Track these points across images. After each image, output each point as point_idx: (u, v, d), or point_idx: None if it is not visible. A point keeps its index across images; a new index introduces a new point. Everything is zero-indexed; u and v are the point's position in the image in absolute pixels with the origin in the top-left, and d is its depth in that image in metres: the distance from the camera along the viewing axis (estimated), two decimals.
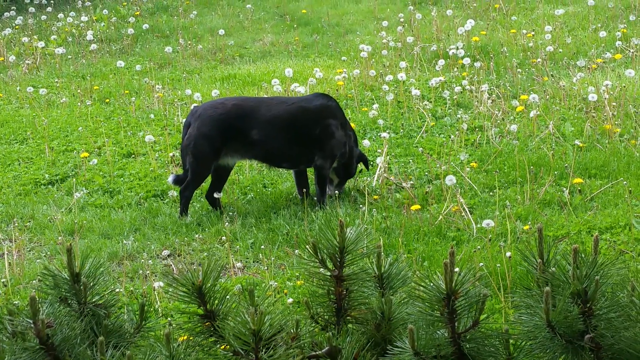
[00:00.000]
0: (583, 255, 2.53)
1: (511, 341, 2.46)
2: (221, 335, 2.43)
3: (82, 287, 2.52)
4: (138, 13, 16.76)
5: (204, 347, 2.44)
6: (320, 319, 2.65)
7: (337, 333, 2.60)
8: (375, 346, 2.53)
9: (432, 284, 2.40)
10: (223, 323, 2.38)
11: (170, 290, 2.53)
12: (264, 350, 2.28)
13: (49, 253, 6.79)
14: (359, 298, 2.66)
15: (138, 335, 2.61)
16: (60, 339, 2.40)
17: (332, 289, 2.64)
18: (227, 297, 2.54)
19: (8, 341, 2.37)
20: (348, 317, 2.64)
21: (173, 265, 6.48)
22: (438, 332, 2.39)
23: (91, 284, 2.57)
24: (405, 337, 2.34)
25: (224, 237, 6.62)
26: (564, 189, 7.09)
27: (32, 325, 2.34)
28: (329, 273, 2.64)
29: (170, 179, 7.51)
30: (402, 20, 14.29)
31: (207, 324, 2.54)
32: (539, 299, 2.38)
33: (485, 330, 2.42)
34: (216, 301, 2.54)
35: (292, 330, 2.47)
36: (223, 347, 2.39)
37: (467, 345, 2.39)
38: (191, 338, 2.48)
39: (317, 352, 2.42)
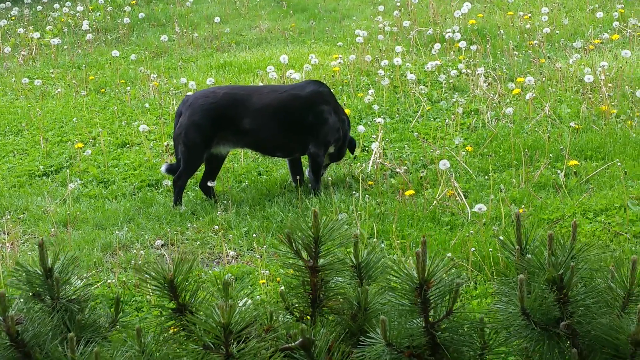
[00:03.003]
0: (562, 241, 2.49)
1: (487, 330, 2.42)
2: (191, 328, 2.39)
3: (54, 282, 2.49)
4: (134, 2, 16.70)
5: (177, 341, 2.41)
6: (295, 310, 2.62)
7: (312, 324, 2.56)
8: (352, 337, 2.50)
9: (404, 273, 2.36)
10: (193, 317, 2.35)
11: (143, 284, 2.50)
12: (235, 343, 2.25)
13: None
14: (335, 288, 2.62)
15: (113, 329, 2.59)
16: (31, 335, 2.37)
17: (308, 279, 2.61)
18: (199, 290, 2.50)
19: None
20: (324, 308, 2.61)
21: (166, 255, 6.45)
22: (412, 322, 2.36)
23: (64, 279, 2.54)
24: (379, 328, 2.31)
25: (217, 226, 6.59)
26: (559, 171, 7.05)
27: (2, 322, 2.31)
28: (303, 264, 2.60)
29: (163, 168, 7.48)
30: (398, 4, 14.22)
31: (179, 317, 2.50)
32: (515, 286, 2.34)
33: (460, 319, 2.39)
34: (188, 294, 2.50)
35: (265, 322, 2.45)
36: (192, 341, 2.36)
37: (442, 335, 2.35)
38: (163, 333, 2.45)
39: (290, 344, 2.39)
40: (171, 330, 2.49)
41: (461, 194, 6.75)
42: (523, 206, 6.47)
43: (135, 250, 6.40)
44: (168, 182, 7.68)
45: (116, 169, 8.33)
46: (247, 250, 6.46)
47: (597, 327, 2.35)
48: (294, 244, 2.61)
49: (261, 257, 6.05)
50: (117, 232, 6.74)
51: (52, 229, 6.90)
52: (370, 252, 2.65)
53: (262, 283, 5.60)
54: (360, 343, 2.39)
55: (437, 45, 10.92)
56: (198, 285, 2.53)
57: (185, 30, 13.99)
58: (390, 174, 7.54)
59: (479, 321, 2.40)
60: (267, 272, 5.65)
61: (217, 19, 14.24)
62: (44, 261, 2.51)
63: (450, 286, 2.35)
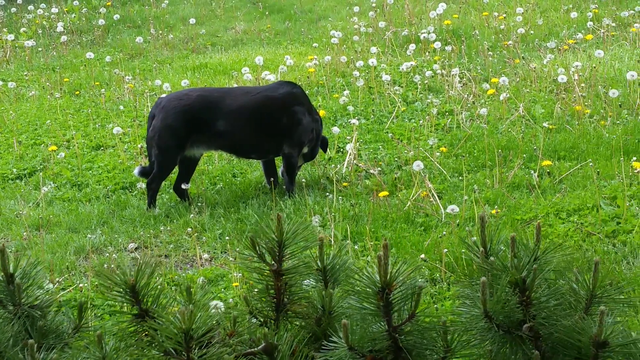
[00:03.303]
0: (526, 242, 2.49)
1: (451, 333, 2.42)
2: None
3: (15, 288, 2.47)
4: (109, 3, 16.63)
5: (138, 347, 2.39)
6: (259, 314, 2.61)
7: (276, 328, 2.55)
8: (316, 341, 2.49)
9: (366, 277, 2.35)
10: (153, 323, 2.33)
11: (104, 289, 2.48)
12: (197, 349, 2.24)
13: (14, 249, 6.72)
14: (300, 292, 2.61)
15: (76, 335, 2.56)
16: None
17: (272, 283, 2.60)
18: (161, 296, 2.48)
19: None
20: (289, 312, 2.60)
21: (140, 258, 6.42)
22: (375, 325, 2.35)
23: (25, 285, 2.52)
24: (342, 332, 2.30)
25: (190, 229, 6.57)
26: (533, 171, 7.07)
27: None
28: (267, 268, 2.59)
29: (136, 170, 7.45)
30: (374, 5, 14.23)
31: (141, 323, 2.48)
32: (473, 288, 2.34)
33: (422, 322, 2.38)
34: (150, 300, 2.48)
35: (228, 327, 2.43)
36: (155, 347, 2.34)
37: (405, 339, 2.34)
38: (126, 339, 2.43)
39: (253, 349, 2.37)
40: (134, 337, 2.48)
41: (435, 195, 6.75)
42: (496, 207, 6.49)
43: (108, 254, 6.37)
44: (142, 185, 7.66)
45: (90, 171, 8.29)
46: (221, 252, 6.44)
47: (559, 330, 2.35)
48: (257, 248, 2.60)
49: (234, 259, 6.03)
50: (89, 236, 6.70)
51: (25, 233, 6.85)
52: (336, 256, 2.64)
53: (236, 286, 5.59)
54: (323, 347, 2.38)
55: (412, 46, 10.93)
56: (160, 290, 2.51)
57: (160, 31, 13.95)
58: (364, 175, 7.54)
59: (441, 324, 2.39)
60: (241, 274, 5.63)
61: (192, 20, 14.20)
62: (4, 267, 2.49)
63: (413, 289, 2.35)
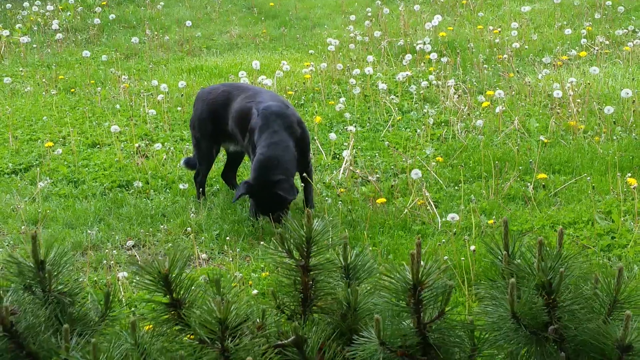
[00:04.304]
0: (548, 249, 2.55)
1: (476, 332, 2.47)
2: (187, 324, 2.43)
3: (46, 274, 2.51)
4: (105, 3, 16.64)
5: (169, 335, 2.44)
6: (286, 308, 2.66)
7: (303, 323, 2.60)
8: (341, 336, 2.54)
9: (399, 275, 2.41)
10: (189, 311, 2.38)
11: (137, 278, 2.52)
12: (230, 339, 2.28)
13: (12, 242, 6.73)
14: (325, 288, 2.66)
15: (103, 323, 2.60)
16: (25, 326, 2.38)
17: (299, 279, 2.65)
18: (193, 287, 2.53)
19: None
20: (314, 307, 2.65)
21: (138, 256, 6.45)
22: (403, 322, 2.40)
23: (56, 272, 2.55)
24: (371, 327, 2.35)
25: (189, 228, 6.60)
26: (528, 184, 7.15)
27: None
28: (295, 263, 2.64)
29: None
30: (369, 14, 14.31)
31: (172, 312, 2.53)
32: (504, 290, 2.40)
33: (451, 321, 2.44)
34: (182, 290, 2.53)
35: (258, 320, 2.48)
36: (188, 336, 2.39)
37: (433, 336, 2.40)
38: (156, 327, 2.48)
39: (283, 341, 2.42)
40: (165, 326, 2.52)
41: (432, 203, 6.81)
42: (494, 217, 6.55)
43: (107, 250, 6.39)
44: (139, 184, 7.70)
45: (86, 169, 8.31)
46: (219, 253, 6.48)
47: (584, 332, 2.41)
48: (286, 244, 2.65)
49: (233, 260, 6.07)
50: (90, 231, 6.73)
51: (23, 227, 6.87)
52: (359, 255, 2.70)
53: (235, 286, 5.63)
54: (353, 342, 2.43)
55: (409, 56, 11.01)
56: (192, 281, 2.56)
57: (156, 33, 13.97)
58: (361, 181, 7.59)
59: (469, 323, 2.45)
60: (240, 275, 5.67)
61: (188, 23, 14.23)
62: (35, 254, 2.53)
63: (443, 288, 2.41)
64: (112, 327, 2.55)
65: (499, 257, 2.57)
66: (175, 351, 2.33)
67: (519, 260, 2.50)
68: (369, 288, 2.59)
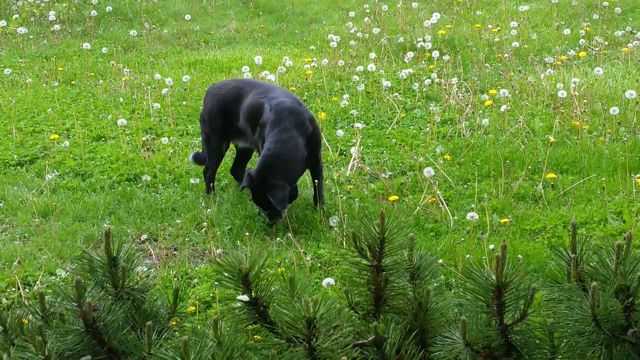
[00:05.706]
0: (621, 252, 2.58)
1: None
2: (270, 321, 2.44)
3: (120, 271, 2.52)
4: None
5: (249, 332, 2.45)
6: (359, 308, 2.68)
7: (377, 322, 2.62)
8: (414, 336, 2.56)
9: (484, 277, 2.43)
10: (276, 311, 2.39)
11: (218, 275, 2.53)
12: (314, 338, 2.30)
13: (25, 235, 6.72)
14: (396, 288, 2.68)
15: (172, 319, 2.61)
16: (104, 322, 2.39)
17: (372, 278, 2.67)
18: (270, 285, 2.55)
19: (42, 324, 2.35)
20: (386, 307, 2.67)
21: (151, 250, 6.46)
22: (483, 323, 2.43)
23: (128, 268, 2.56)
24: (455, 328, 2.38)
25: (204, 223, 6.61)
26: (538, 183, 7.19)
27: (77, 308, 2.33)
28: (368, 263, 2.66)
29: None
30: (367, 11, 14.33)
31: (251, 310, 2.55)
32: (573, 293, 2.42)
33: (531, 322, 2.47)
34: (261, 288, 2.54)
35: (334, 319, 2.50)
36: (267, 333, 2.40)
37: (515, 337, 2.42)
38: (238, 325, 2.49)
39: (364, 341, 2.44)
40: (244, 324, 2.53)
41: (443, 201, 6.85)
42: (509, 216, 6.56)
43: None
44: (147, 178, 7.70)
45: (93, 161, 8.29)
46: (231, 248, 6.49)
47: None
48: (358, 243, 2.67)
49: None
50: (104, 225, 6.72)
51: (36, 220, 6.85)
52: (424, 256, 2.73)
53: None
54: (436, 342, 2.45)
55: (410, 54, 11.02)
56: (271, 280, 2.57)
57: (153, 26, 13.93)
58: (369, 178, 7.62)
59: (549, 325, 2.48)
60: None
61: (188, 17, 14.18)
62: (109, 250, 2.53)
63: (526, 290, 2.44)
64: (181, 324, 2.56)
65: (565, 260, 2.60)
66: (258, 350, 2.34)
67: (593, 263, 2.53)
68: (435, 288, 2.62)
